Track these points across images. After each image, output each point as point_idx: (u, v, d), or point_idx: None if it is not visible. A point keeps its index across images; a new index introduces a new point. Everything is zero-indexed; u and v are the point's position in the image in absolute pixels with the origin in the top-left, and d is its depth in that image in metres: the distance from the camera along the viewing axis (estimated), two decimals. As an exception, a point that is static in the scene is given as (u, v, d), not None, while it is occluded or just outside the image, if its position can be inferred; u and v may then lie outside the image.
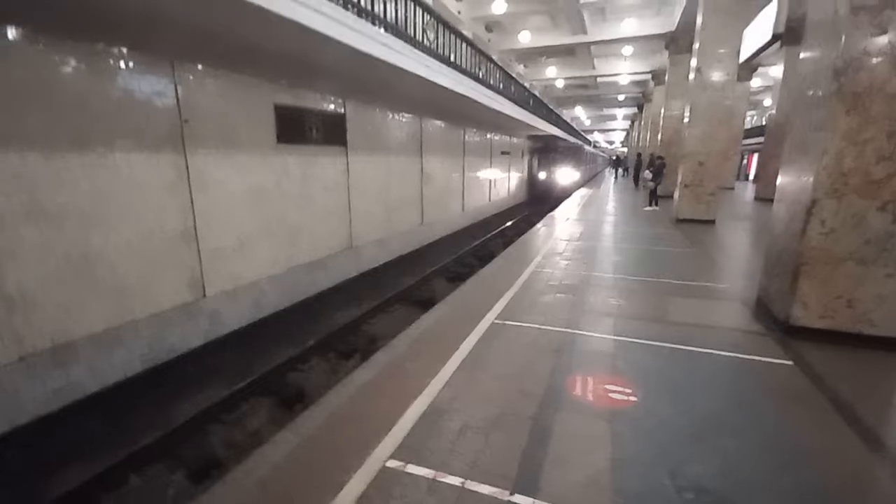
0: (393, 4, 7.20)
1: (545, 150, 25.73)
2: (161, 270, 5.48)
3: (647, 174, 14.66)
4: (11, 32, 4.00)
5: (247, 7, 4.18)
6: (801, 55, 4.19)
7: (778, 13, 7.06)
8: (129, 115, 4.97)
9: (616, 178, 31.72)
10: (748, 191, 21.44)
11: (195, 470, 4.01)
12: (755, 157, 30.15)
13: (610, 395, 3.01)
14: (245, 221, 6.66)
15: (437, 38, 9.12)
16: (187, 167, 5.66)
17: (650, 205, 13.74)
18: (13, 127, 4.05)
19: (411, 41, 7.63)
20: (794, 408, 2.91)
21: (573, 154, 26.57)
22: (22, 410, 4.24)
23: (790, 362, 3.52)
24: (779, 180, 4.41)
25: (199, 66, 5.70)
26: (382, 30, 6.63)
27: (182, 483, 3.94)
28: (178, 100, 5.46)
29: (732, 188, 22.59)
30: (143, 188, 5.18)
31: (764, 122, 26.87)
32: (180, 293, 5.75)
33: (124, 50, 4.85)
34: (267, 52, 5.99)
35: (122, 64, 4.86)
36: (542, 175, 26.23)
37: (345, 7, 5.67)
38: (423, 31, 8.43)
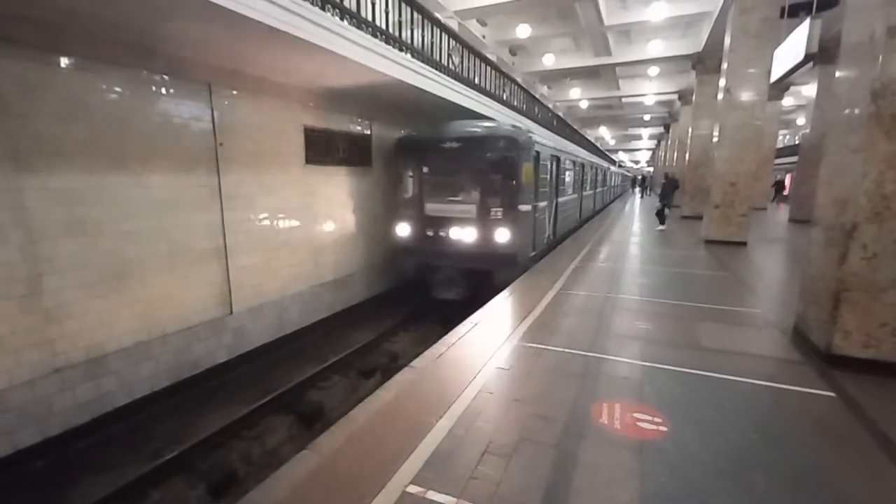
0: (420, 30, 7.42)
1: (433, 151, 7.95)
2: (192, 287, 5.63)
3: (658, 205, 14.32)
4: (64, 61, 4.29)
5: (285, 37, 4.39)
6: (837, 76, 4.09)
7: (810, 33, 6.89)
8: (168, 138, 5.20)
9: (642, 196, 32.06)
10: (781, 211, 20.75)
11: (215, 486, 4.04)
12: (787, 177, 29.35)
13: (637, 423, 2.90)
14: (273, 240, 6.81)
15: (462, 61, 9.32)
16: (220, 188, 5.85)
17: (662, 223, 13.52)
18: (60, 146, 4.29)
19: (437, 65, 7.83)
20: (836, 443, 2.74)
21: (515, 160, 7.47)
22: (53, 422, 4.38)
23: (832, 394, 3.33)
24: (816, 202, 4.26)
25: (235, 92, 5.95)
26: (409, 55, 6.82)
27: (202, 499, 3.96)
28: (214, 124, 5.70)
29: (765, 209, 21.93)
30: (177, 208, 5.37)
31: (797, 142, 26.18)
32: (209, 309, 5.89)
33: (165, 77, 5.12)
34: (299, 77, 6.25)
35: (163, 90, 5.12)
36: (434, 224, 7.92)
37: (373, 35, 5.87)
38: (449, 55, 8.63)
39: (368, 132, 8.81)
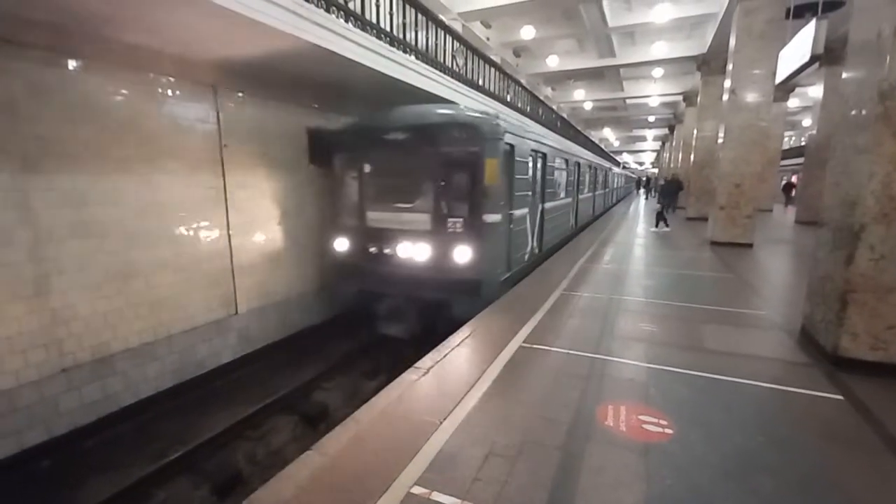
0: (424, 32, 7.44)
1: (375, 143, 6.25)
2: (197, 287, 5.66)
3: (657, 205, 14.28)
4: (72, 63, 4.33)
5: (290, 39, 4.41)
6: (844, 76, 4.07)
7: (816, 34, 6.87)
8: (173, 140, 5.24)
9: (647, 198, 32.08)
10: (787, 213, 20.63)
11: (219, 487, 4.05)
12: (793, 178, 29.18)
13: (642, 426, 2.88)
14: (278, 241, 6.83)
15: (466, 62, 9.34)
16: (225, 189, 5.88)
17: (656, 226, 13.49)
18: (68, 149, 4.34)
19: (441, 67, 7.84)
20: (844, 446, 2.71)
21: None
22: (59, 421, 4.42)
23: (840, 396, 3.30)
24: (823, 204, 4.23)
25: (240, 94, 5.98)
26: (413, 56, 6.84)
27: (206, 500, 3.97)
28: (219, 125, 5.73)
29: (771, 210, 21.81)
30: (182, 209, 5.41)
31: (803, 143, 26.05)
32: (213, 310, 5.91)
33: (171, 79, 5.15)
34: (303, 79, 6.28)
35: (169, 92, 5.16)
36: (378, 239, 6.31)
37: (378, 37, 5.89)
38: (453, 56, 8.65)
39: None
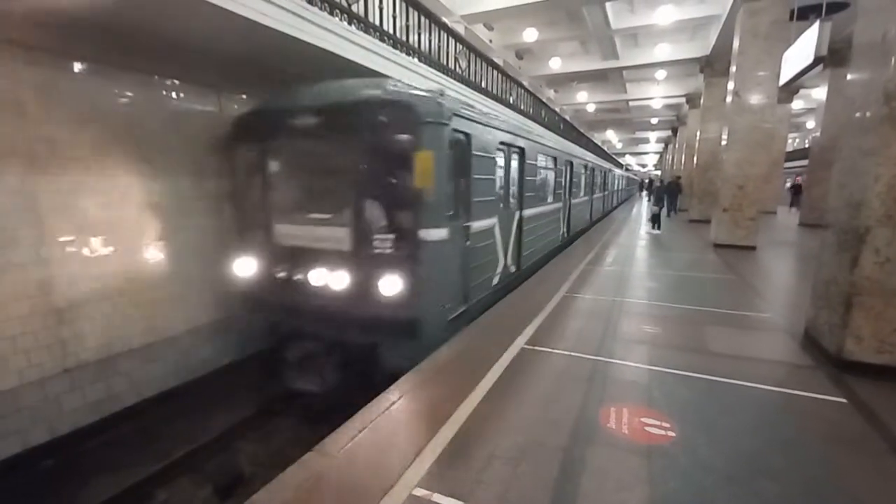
0: (427, 35, 7.46)
1: (283, 133, 4.64)
2: (199, 287, 5.66)
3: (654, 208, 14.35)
4: (77, 66, 4.35)
5: (295, 42, 4.41)
6: (849, 78, 4.05)
7: (820, 36, 6.84)
8: (177, 141, 5.26)
9: (649, 199, 31.98)
10: (793, 215, 20.54)
11: (221, 488, 4.04)
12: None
13: (645, 428, 2.87)
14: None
15: (469, 65, 9.36)
16: (225, 188, 5.90)
17: (658, 228, 13.54)
18: (73, 150, 4.36)
19: (444, 69, 7.86)
20: (848, 450, 2.69)
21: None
22: (62, 421, 4.42)
23: (844, 400, 3.27)
24: (828, 206, 4.21)
25: (244, 96, 6.00)
26: (416, 59, 6.85)
27: (208, 501, 3.97)
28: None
29: (774, 212, 21.72)
30: (185, 209, 5.42)
31: (807, 145, 25.95)
32: (214, 310, 5.91)
33: (176, 81, 5.17)
34: (305, 80, 6.28)
35: (173, 94, 5.18)
36: (288, 260, 4.74)
37: (381, 39, 5.91)
38: (456, 59, 8.67)
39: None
